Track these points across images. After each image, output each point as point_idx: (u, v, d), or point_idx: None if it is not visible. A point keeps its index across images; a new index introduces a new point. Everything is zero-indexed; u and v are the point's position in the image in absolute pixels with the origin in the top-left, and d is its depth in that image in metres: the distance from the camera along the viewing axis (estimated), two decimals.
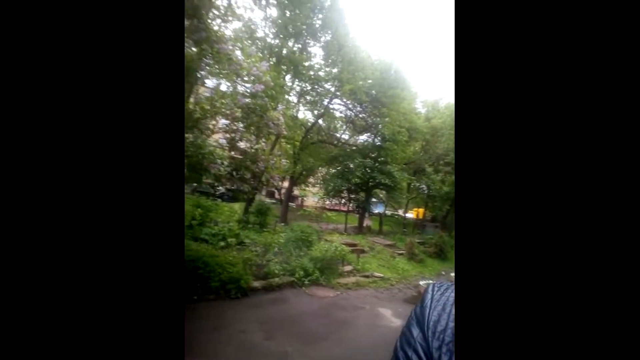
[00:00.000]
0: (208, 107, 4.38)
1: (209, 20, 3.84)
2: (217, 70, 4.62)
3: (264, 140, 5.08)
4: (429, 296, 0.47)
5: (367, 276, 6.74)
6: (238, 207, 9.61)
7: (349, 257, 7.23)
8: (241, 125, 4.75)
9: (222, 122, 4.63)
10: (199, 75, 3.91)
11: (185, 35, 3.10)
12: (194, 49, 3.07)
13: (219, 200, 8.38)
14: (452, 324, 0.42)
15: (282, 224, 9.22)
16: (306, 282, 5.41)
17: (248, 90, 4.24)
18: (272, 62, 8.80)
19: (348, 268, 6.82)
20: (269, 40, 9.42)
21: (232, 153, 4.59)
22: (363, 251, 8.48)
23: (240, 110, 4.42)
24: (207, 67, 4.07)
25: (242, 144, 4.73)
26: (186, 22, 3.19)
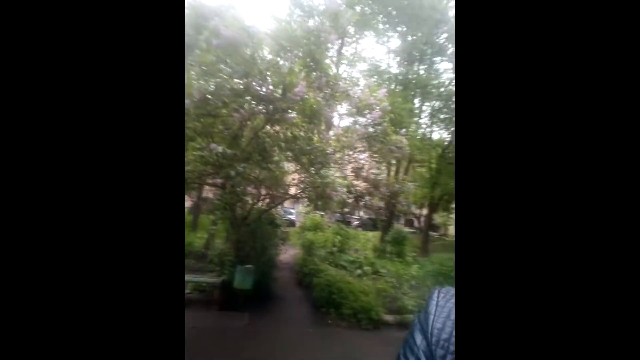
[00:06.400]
0: (335, 144, 4.85)
1: (332, 66, 4.34)
2: (343, 109, 5.09)
3: (384, 166, 5.03)
4: (434, 302, 0.44)
5: None
6: (372, 235, 9.65)
7: None
8: (365, 155, 4.93)
9: (350, 153, 4.96)
10: (330, 117, 4.42)
11: (309, 83, 3.63)
12: (319, 98, 3.53)
13: (360, 229, 8.66)
14: None
15: (420, 254, 8.53)
16: None
17: (369, 120, 4.41)
18: (397, 89, 8.88)
19: None
20: (393, 70, 9.67)
21: (359, 182, 4.77)
22: None
23: (363, 140, 4.62)
24: (333, 108, 4.56)
25: (372, 172, 4.85)
26: (312, 74, 3.75)
